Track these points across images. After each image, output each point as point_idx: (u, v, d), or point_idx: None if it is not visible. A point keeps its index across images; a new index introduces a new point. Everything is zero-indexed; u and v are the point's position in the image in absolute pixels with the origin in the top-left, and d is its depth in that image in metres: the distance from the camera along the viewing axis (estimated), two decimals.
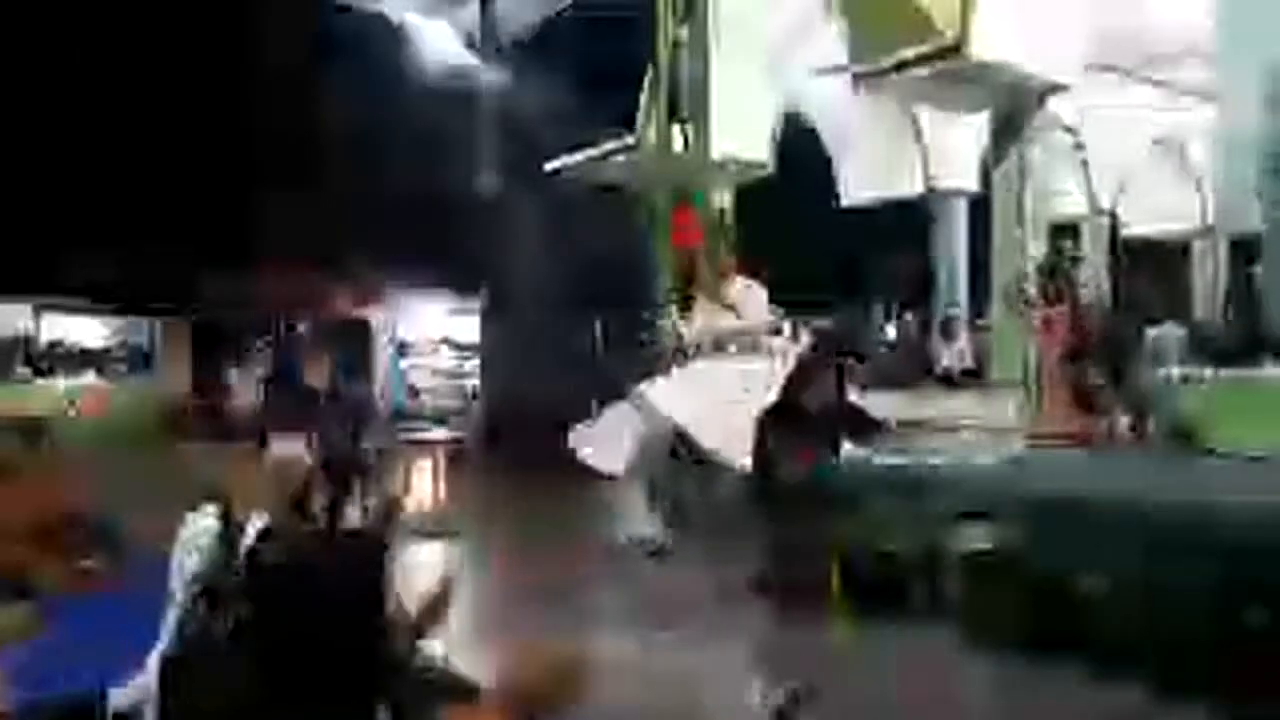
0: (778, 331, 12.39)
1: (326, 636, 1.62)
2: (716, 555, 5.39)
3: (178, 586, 2.12)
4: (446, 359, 15.24)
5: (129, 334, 16.75)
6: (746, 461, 5.73)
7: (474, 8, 12.43)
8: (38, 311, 15.82)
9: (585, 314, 10.66)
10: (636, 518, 6.15)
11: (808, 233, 16.02)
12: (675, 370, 6.58)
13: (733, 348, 6.60)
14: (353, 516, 5.09)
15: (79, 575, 2.09)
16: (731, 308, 6.77)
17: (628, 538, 6.05)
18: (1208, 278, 14.56)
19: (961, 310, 13.61)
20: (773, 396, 5.23)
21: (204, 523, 2.19)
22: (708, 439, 5.87)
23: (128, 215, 15.08)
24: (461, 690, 1.85)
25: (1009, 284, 8.64)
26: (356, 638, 1.67)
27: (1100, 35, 9.43)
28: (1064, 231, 12.70)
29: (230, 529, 2.12)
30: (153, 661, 2.11)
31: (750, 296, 6.83)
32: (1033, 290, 7.36)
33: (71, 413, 13.04)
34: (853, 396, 5.45)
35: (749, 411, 5.74)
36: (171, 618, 2.08)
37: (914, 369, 13.66)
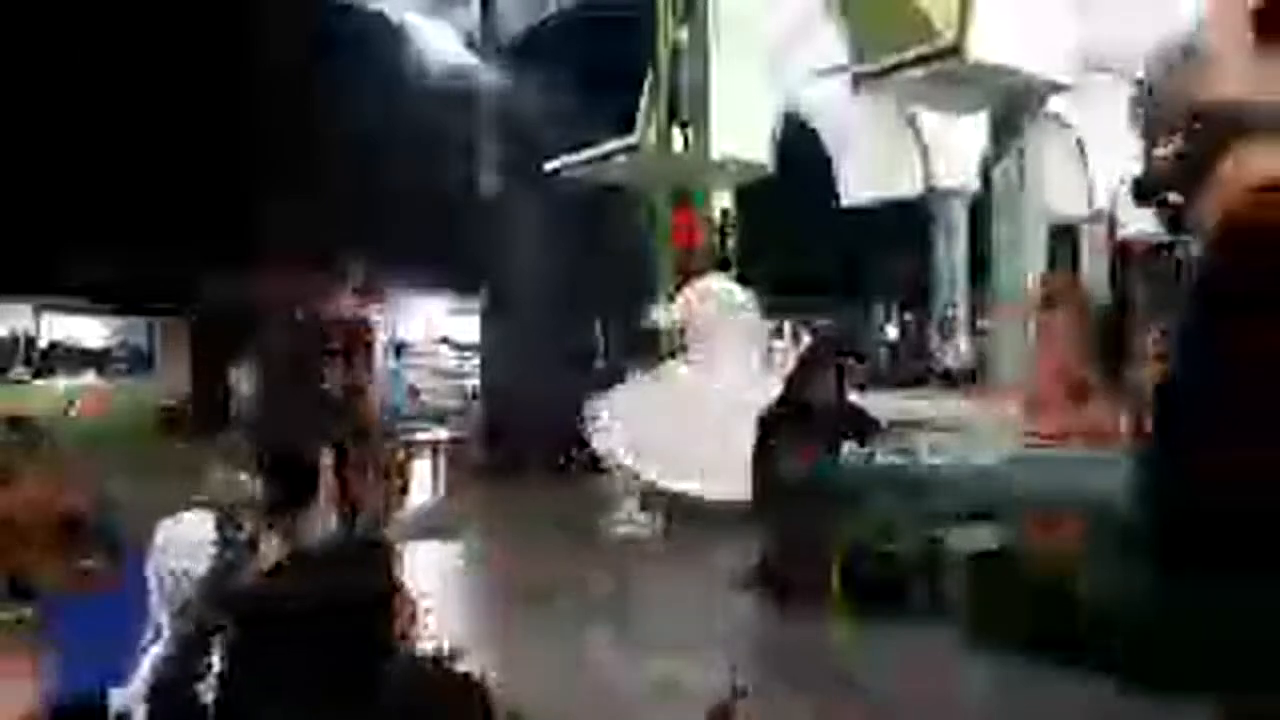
0: (778, 333, 12.43)
1: (326, 636, 1.63)
2: (716, 553, 5.39)
3: (173, 593, 2.10)
4: (446, 359, 15.25)
5: (129, 334, 16.75)
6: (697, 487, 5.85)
7: (474, 8, 12.42)
8: (38, 311, 15.82)
9: (585, 314, 10.65)
10: (627, 509, 6.17)
11: (808, 233, 16.03)
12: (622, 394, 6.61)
13: (699, 347, 6.65)
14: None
15: (79, 575, 2.09)
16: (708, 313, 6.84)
17: (616, 528, 6.08)
18: None
19: (961, 310, 13.62)
20: (775, 394, 5.25)
21: (203, 528, 2.17)
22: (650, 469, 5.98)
23: (128, 215, 15.08)
24: (459, 686, 1.86)
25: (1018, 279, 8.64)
26: (354, 638, 1.68)
27: (1100, 35, 9.44)
28: (1064, 232, 12.72)
29: (231, 533, 2.11)
30: (145, 668, 2.09)
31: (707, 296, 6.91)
32: (1040, 289, 7.36)
33: (71, 413, 13.05)
34: (852, 396, 5.45)
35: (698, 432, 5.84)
36: (168, 625, 2.06)
37: (914, 369, 13.68)
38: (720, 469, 5.83)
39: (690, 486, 5.98)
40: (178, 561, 2.11)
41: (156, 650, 2.04)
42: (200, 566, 2.05)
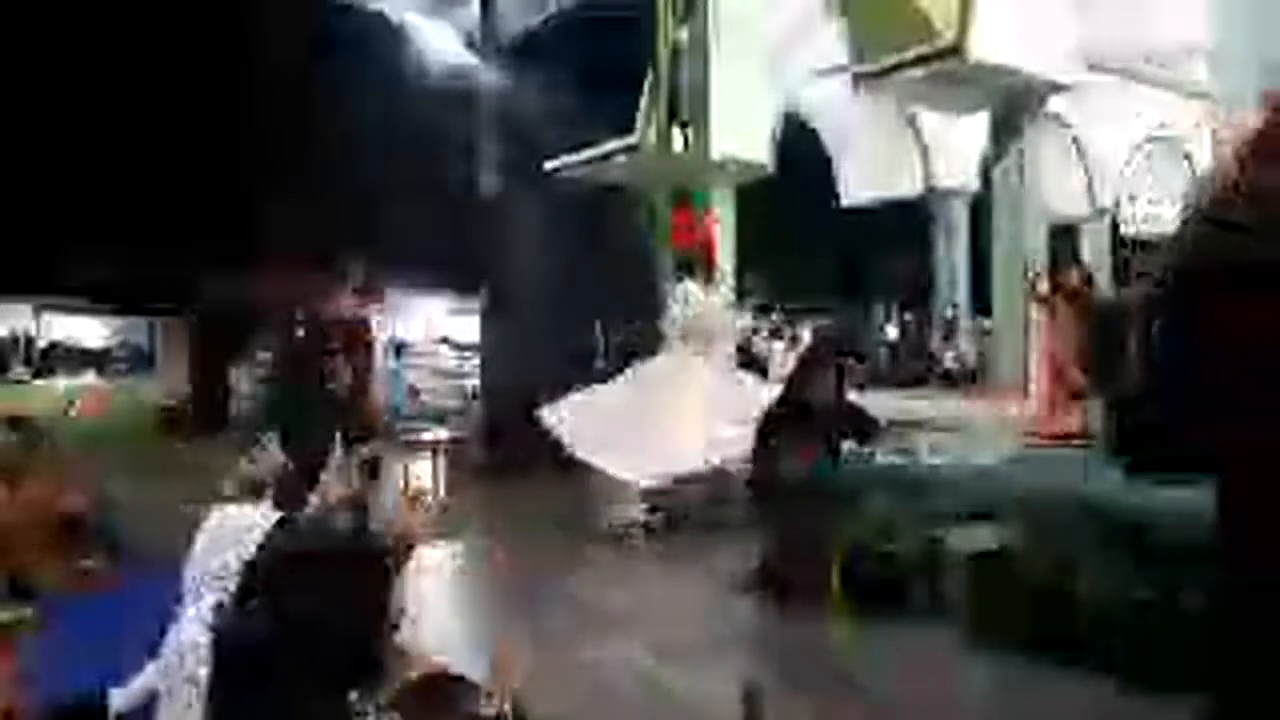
0: (777, 334, 12.44)
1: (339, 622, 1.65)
2: (716, 554, 5.39)
3: (218, 576, 2.11)
4: (446, 359, 15.25)
5: (129, 334, 16.76)
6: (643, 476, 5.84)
7: (474, 8, 12.42)
8: (38, 311, 15.82)
9: (585, 314, 10.65)
10: (626, 501, 6.16)
11: (808, 233, 16.03)
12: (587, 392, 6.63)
13: (700, 345, 6.66)
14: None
15: (79, 575, 2.09)
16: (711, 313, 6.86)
17: (613, 522, 6.08)
18: None
19: (961, 310, 13.62)
20: (775, 394, 5.25)
21: (252, 517, 2.20)
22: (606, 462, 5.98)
23: (128, 215, 15.09)
24: (448, 682, 1.86)
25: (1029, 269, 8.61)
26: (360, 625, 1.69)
27: (1100, 35, 9.44)
28: (1064, 232, 12.72)
29: (283, 523, 2.14)
30: (166, 655, 2.10)
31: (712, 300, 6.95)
32: (1044, 286, 7.36)
33: (71, 413, 13.05)
34: (852, 396, 5.45)
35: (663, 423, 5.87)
36: (205, 606, 2.07)
37: (914, 369, 13.68)
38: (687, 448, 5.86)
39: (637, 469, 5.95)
40: (219, 558, 2.12)
41: (196, 619, 2.06)
42: (245, 554, 2.07)
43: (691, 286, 6.91)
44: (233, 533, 2.17)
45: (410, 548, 2.17)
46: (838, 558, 4.29)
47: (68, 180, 14.95)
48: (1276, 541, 1.07)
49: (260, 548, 2.04)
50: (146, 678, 2.17)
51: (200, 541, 2.21)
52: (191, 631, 2.07)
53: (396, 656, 1.92)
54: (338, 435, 5.46)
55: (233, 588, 2.00)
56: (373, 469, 5.78)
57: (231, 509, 2.30)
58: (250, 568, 1.92)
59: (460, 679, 1.97)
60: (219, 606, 1.99)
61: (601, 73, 10.67)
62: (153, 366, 16.50)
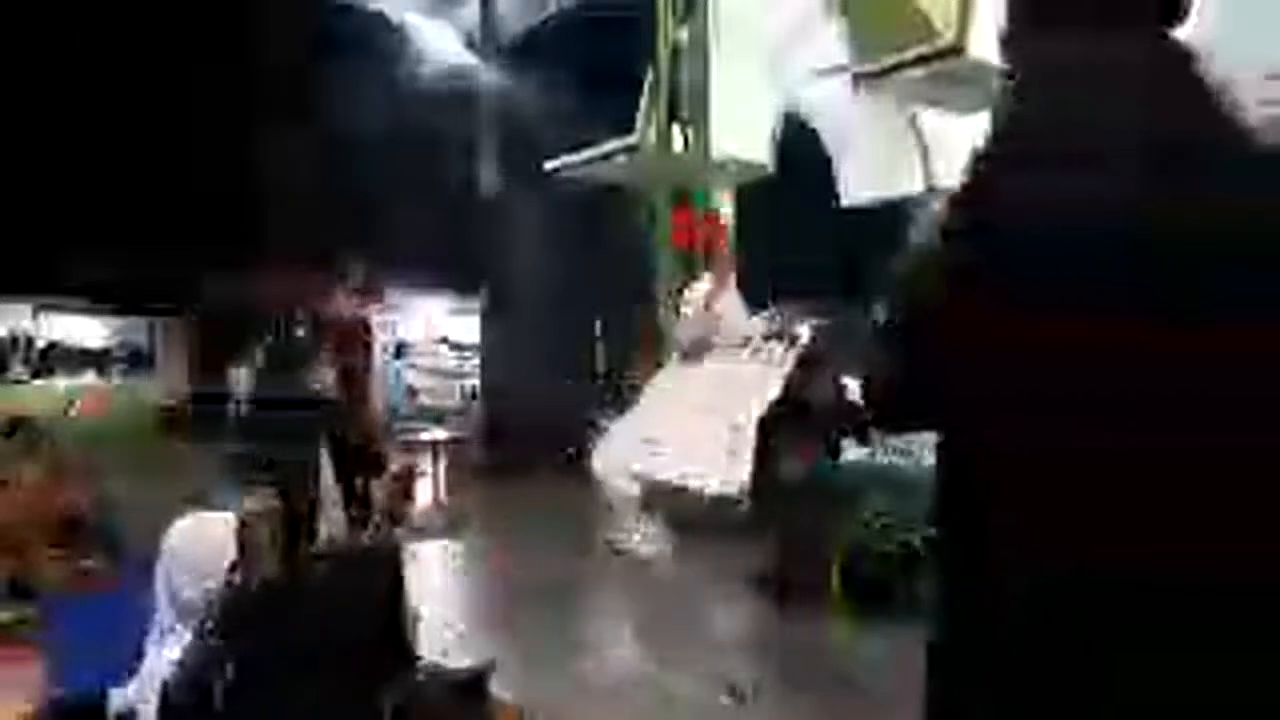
0: (778, 336, 12.44)
1: (338, 644, 1.61)
2: (715, 556, 5.39)
3: (189, 599, 2.05)
4: (446, 359, 15.24)
5: (129, 334, 16.74)
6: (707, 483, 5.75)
7: (474, 8, 12.43)
8: (38, 311, 15.81)
9: (585, 314, 10.65)
10: (628, 525, 6.15)
11: (808, 233, 16.01)
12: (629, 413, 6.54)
13: (717, 352, 6.64)
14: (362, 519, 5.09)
15: (79, 575, 2.09)
16: (718, 316, 6.84)
17: (610, 538, 6.07)
18: None
19: None
20: (774, 394, 5.24)
21: (218, 536, 2.14)
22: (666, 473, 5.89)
23: (128, 215, 15.08)
24: (461, 688, 1.85)
25: None
26: (367, 644, 1.66)
27: None
28: None
29: (247, 540, 2.09)
30: (147, 678, 2.06)
31: (730, 305, 6.93)
32: None
33: (71, 413, 13.04)
34: (851, 395, 5.45)
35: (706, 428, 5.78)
36: (179, 636, 2.01)
37: None
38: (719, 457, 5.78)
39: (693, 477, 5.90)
40: (191, 573, 2.08)
41: (166, 654, 2.01)
42: (215, 579, 2.02)
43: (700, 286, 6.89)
44: (204, 559, 2.09)
45: (396, 521, 2.15)
46: (838, 558, 4.29)
47: (67, 180, 14.93)
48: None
49: (230, 585, 1.96)
50: (134, 691, 2.14)
51: (167, 557, 2.12)
52: (164, 663, 2.00)
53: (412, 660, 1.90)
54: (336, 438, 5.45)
55: (210, 624, 1.93)
56: (376, 468, 5.78)
57: (200, 517, 2.20)
58: (236, 614, 1.83)
59: (464, 683, 1.96)
60: (195, 648, 1.90)
61: (601, 73, 10.66)
62: (153, 366, 16.49)
